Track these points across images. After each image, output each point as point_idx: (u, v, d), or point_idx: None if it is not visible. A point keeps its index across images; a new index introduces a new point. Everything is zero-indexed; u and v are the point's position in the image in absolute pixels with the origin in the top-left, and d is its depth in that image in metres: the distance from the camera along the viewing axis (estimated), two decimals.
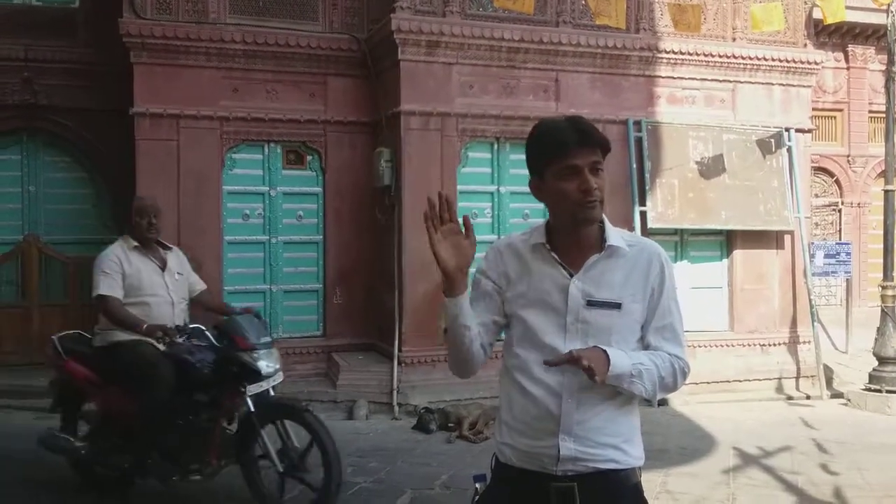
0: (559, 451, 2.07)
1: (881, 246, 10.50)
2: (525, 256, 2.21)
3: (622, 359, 2.04)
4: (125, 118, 9.46)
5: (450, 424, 8.22)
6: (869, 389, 9.97)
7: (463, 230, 2.19)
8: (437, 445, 7.71)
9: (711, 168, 10.53)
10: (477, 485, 2.29)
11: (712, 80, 10.79)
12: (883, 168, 10.69)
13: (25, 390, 9.35)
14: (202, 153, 9.64)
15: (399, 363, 9.29)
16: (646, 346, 2.18)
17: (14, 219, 10.75)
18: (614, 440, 2.11)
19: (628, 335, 2.15)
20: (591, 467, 2.08)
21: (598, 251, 2.14)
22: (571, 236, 2.16)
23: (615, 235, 2.16)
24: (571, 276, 2.14)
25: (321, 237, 10.35)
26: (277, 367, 5.23)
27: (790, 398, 10.53)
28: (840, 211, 13.61)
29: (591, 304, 2.12)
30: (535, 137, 2.18)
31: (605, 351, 2.03)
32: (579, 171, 2.07)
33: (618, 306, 2.12)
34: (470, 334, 2.19)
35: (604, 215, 2.18)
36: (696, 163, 10.51)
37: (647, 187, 10.23)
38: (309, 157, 10.31)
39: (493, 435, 2.29)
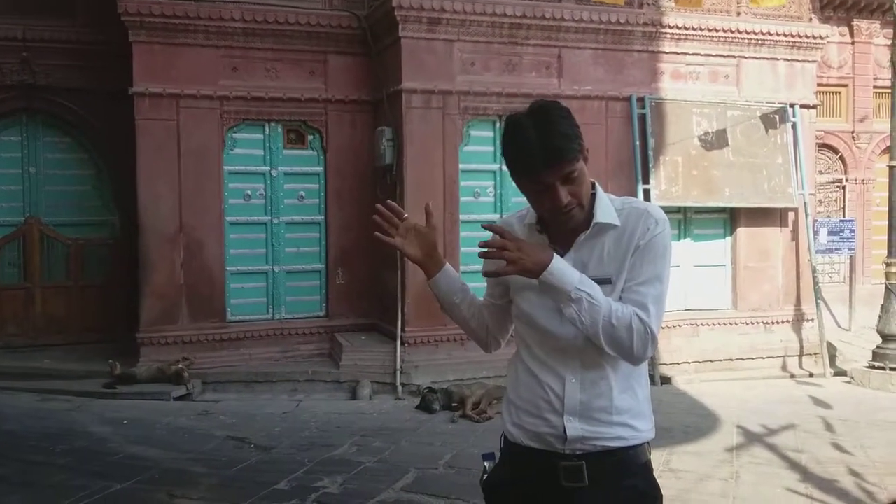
0: (565, 431, 2.06)
1: (885, 223, 10.43)
2: (524, 236, 2.18)
3: (568, 276, 1.98)
4: (125, 98, 9.39)
5: (453, 404, 8.22)
6: (872, 367, 9.96)
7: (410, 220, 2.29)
8: (440, 425, 7.72)
9: (715, 145, 10.47)
10: (486, 463, 2.27)
11: (716, 55, 10.69)
12: (888, 144, 10.61)
13: (28, 372, 9.40)
14: (202, 133, 9.59)
15: (402, 343, 9.29)
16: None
17: (15, 200, 10.71)
18: (621, 417, 2.08)
19: None
20: (599, 446, 2.06)
21: (586, 228, 2.10)
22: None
23: (606, 210, 2.09)
24: (561, 256, 2.09)
25: (323, 217, 10.31)
26: None
27: (794, 376, 10.54)
28: (844, 188, 13.52)
29: None
30: (506, 145, 2.10)
31: (553, 257, 1.99)
32: (550, 187, 2.02)
33: (608, 281, 2.07)
34: (462, 311, 2.31)
35: (597, 185, 2.13)
36: (700, 140, 10.44)
37: (650, 165, 10.17)
38: (310, 137, 10.25)
39: (502, 414, 2.27)
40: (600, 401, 2.06)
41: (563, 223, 2.09)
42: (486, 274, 2.06)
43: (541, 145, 1.99)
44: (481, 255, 2.02)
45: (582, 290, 1.98)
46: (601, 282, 2.05)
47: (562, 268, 1.99)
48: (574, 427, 2.05)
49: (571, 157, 2.01)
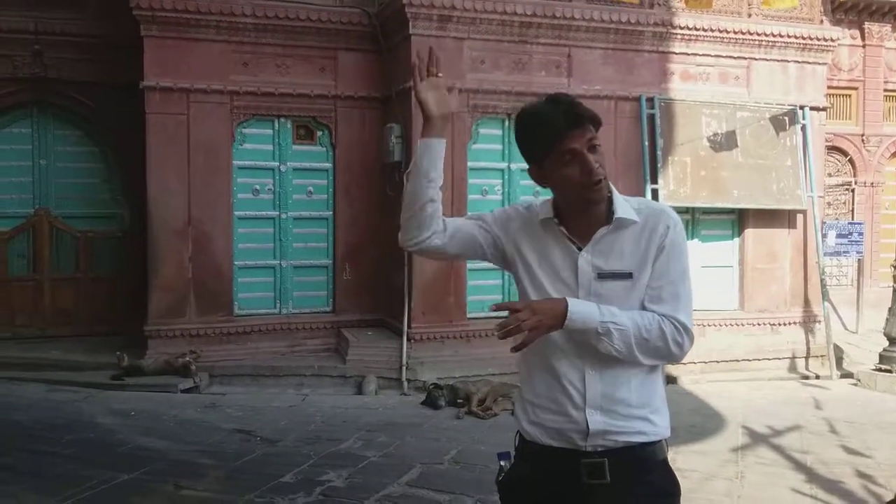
0: (588, 425, 2.05)
1: (894, 226, 10.43)
2: (537, 230, 2.18)
3: (588, 315, 1.99)
4: (136, 92, 9.43)
5: (459, 400, 8.24)
6: (879, 370, 9.94)
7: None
8: (445, 421, 7.73)
9: (724, 146, 10.45)
10: (502, 462, 2.25)
11: (727, 56, 10.68)
12: None
13: (37, 362, 9.46)
14: (212, 127, 9.63)
15: (408, 339, 9.31)
16: (643, 309, 2.10)
17: (25, 192, 10.77)
18: (641, 411, 2.08)
19: (641, 303, 2.11)
20: (620, 441, 2.06)
21: (607, 223, 2.10)
22: (579, 211, 2.12)
23: (623, 206, 2.10)
24: (580, 249, 2.11)
25: (331, 213, 10.34)
26: None
27: (800, 378, 10.52)
28: (853, 190, 13.48)
29: (602, 276, 2.08)
30: (524, 126, 2.13)
31: (566, 302, 1.99)
32: (578, 154, 2.02)
33: (629, 276, 2.08)
34: (427, 191, 2.15)
35: (611, 185, 2.14)
36: (709, 141, 10.43)
37: (658, 165, 10.16)
38: (319, 133, 10.27)
39: (515, 413, 2.25)
40: (621, 392, 2.06)
41: (591, 199, 2.07)
42: (515, 349, 2.02)
43: (563, 111, 2.03)
44: (502, 337, 1.97)
45: (607, 322, 2.00)
46: (622, 276, 2.07)
47: (580, 309, 1.99)
48: (596, 420, 2.05)
49: (593, 124, 2.04)
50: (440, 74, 2.22)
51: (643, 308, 2.09)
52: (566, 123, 2.01)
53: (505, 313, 2.01)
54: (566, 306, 1.98)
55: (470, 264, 9.51)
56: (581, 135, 2.02)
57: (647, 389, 2.11)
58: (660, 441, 2.12)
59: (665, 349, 2.05)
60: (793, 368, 10.71)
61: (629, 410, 2.07)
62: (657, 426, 2.11)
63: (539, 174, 2.13)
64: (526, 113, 2.12)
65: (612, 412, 2.06)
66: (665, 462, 2.14)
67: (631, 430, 2.07)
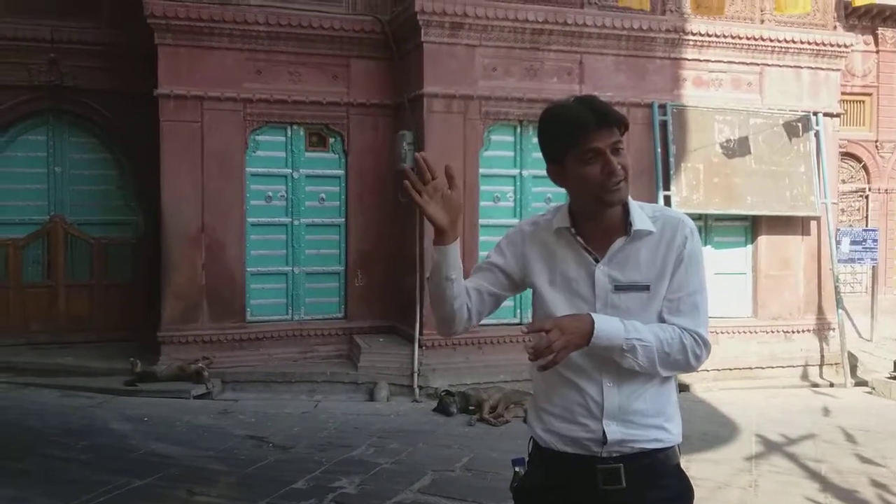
0: (605, 435, 2.06)
1: None
2: (549, 241, 2.17)
3: (613, 332, 1.99)
4: (150, 100, 9.50)
5: (470, 407, 8.23)
6: (894, 378, 9.88)
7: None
8: (457, 428, 7.72)
9: (737, 152, 10.42)
10: (516, 468, 2.24)
11: (739, 62, 10.65)
12: None
13: (51, 368, 9.52)
14: (225, 135, 9.68)
15: (420, 346, 9.31)
16: (660, 320, 2.11)
17: (40, 199, 10.87)
18: (656, 420, 2.09)
19: (659, 316, 2.10)
20: (636, 448, 2.07)
21: (623, 233, 2.09)
22: (595, 219, 2.11)
23: (640, 217, 2.10)
24: (597, 261, 2.10)
25: (343, 220, 10.37)
26: None
27: (814, 385, 10.45)
28: (867, 197, 13.40)
29: (619, 288, 2.08)
30: (549, 123, 2.13)
31: (591, 319, 1.98)
32: (601, 154, 2.02)
33: (646, 288, 2.08)
34: (452, 289, 2.17)
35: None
36: (722, 147, 10.40)
37: (671, 171, 10.14)
38: (331, 140, 10.31)
39: (528, 422, 2.24)
40: (638, 403, 2.07)
41: (608, 201, 2.06)
42: (543, 369, 2.00)
43: (591, 109, 2.03)
44: (534, 359, 1.94)
45: (632, 339, 2.00)
46: (639, 288, 2.07)
47: (605, 326, 1.99)
48: (613, 431, 2.05)
49: (619, 127, 2.04)
50: (436, 177, 2.16)
51: (661, 319, 2.09)
52: (593, 122, 2.02)
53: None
54: (592, 324, 1.98)
55: None
56: (607, 135, 2.02)
57: (661, 399, 2.12)
58: (673, 447, 2.13)
59: (684, 361, 2.07)
60: (806, 376, 10.64)
61: (645, 420, 2.08)
62: (671, 433, 2.12)
63: (558, 173, 2.13)
64: (553, 110, 2.12)
65: (628, 422, 2.07)
66: (678, 466, 2.15)
67: (646, 437, 2.08)
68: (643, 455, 2.07)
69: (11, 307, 10.61)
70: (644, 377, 2.08)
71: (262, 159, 10.03)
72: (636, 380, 2.07)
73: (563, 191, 2.16)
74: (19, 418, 7.49)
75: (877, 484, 5.82)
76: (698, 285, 2.11)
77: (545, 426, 2.16)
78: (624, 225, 2.10)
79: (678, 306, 2.09)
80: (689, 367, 2.10)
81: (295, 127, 10.12)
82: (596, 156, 2.02)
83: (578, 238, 2.12)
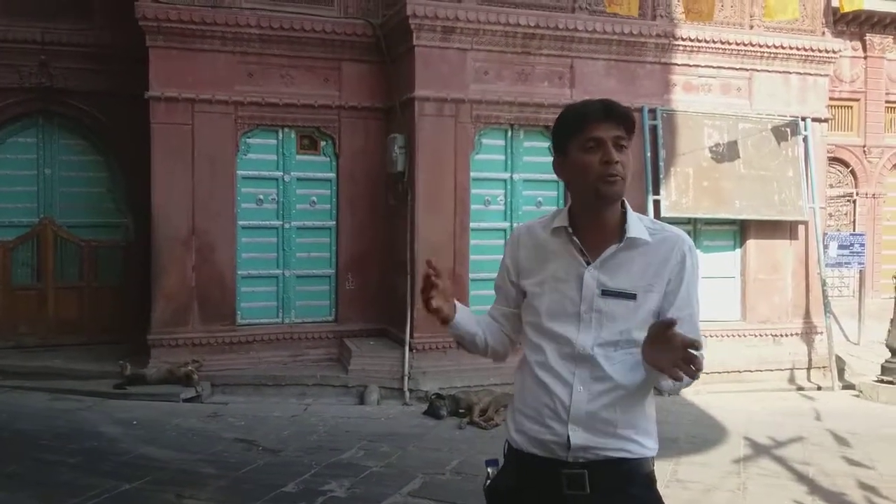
0: (569, 439, 2.07)
1: (895, 237, 10.43)
2: (544, 242, 2.20)
3: None
4: (140, 102, 9.49)
5: (460, 410, 8.25)
6: (881, 381, 9.95)
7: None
8: (447, 431, 7.74)
9: (726, 157, 10.49)
10: (489, 469, 2.29)
11: (729, 68, 10.72)
12: None
13: (41, 371, 9.48)
14: (217, 137, 9.67)
15: (410, 349, 9.32)
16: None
17: (30, 201, 10.82)
18: (626, 432, 2.09)
19: (642, 325, 2.11)
20: (601, 455, 2.08)
21: (619, 240, 2.12)
22: (593, 220, 2.13)
23: (637, 226, 2.13)
24: (588, 264, 2.12)
25: (334, 223, 10.37)
26: None
27: (802, 389, 10.51)
28: (855, 202, 13.49)
29: (606, 293, 2.10)
30: (561, 114, 2.20)
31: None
32: (602, 143, 2.07)
33: (633, 297, 2.10)
34: (484, 339, 2.34)
35: (626, 202, 2.17)
36: (711, 151, 10.46)
37: (661, 176, 10.19)
38: (323, 143, 10.32)
39: (506, 421, 2.29)
40: (607, 413, 2.07)
41: (603, 193, 2.09)
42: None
43: (601, 103, 2.12)
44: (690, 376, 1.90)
45: None
46: (626, 296, 2.10)
47: None
48: (578, 436, 2.07)
49: (626, 124, 2.11)
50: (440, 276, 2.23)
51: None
52: (599, 112, 2.09)
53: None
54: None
55: (472, 274, 9.54)
56: (609, 127, 2.08)
57: (634, 412, 2.12)
58: (645, 458, 2.14)
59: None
60: (794, 380, 10.70)
61: (613, 430, 2.08)
62: (643, 446, 2.13)
63: (561, 164, 2.19)
64: (569, 105, 2.22)
65: (595, 430, 2.08)
66: (649, 476, 2.15)
67: (613, 447, 2.09)
68: (609, 463, 2.08)
69: (0, 310, 10.56)
70: (618, 388, 2.09)
71: (253, 162, 10.03)
72: (609, 389, 2.08)
73: (554, 195, 2.20)
74: (8, 422, 7.47)
75: (864, 486, 5.87)
76: (697, 301, 2.19)
77: (517, 426, 2.19)
78: (620, 231, 2.13)
79: (682, 326, 2.09)
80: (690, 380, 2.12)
81: (286, 130, 10.12)
82: (597, 145, 2.07)
83: (574, 238, 2.14)
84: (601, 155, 2.07)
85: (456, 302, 2.29)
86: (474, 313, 2.39)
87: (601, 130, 2.07)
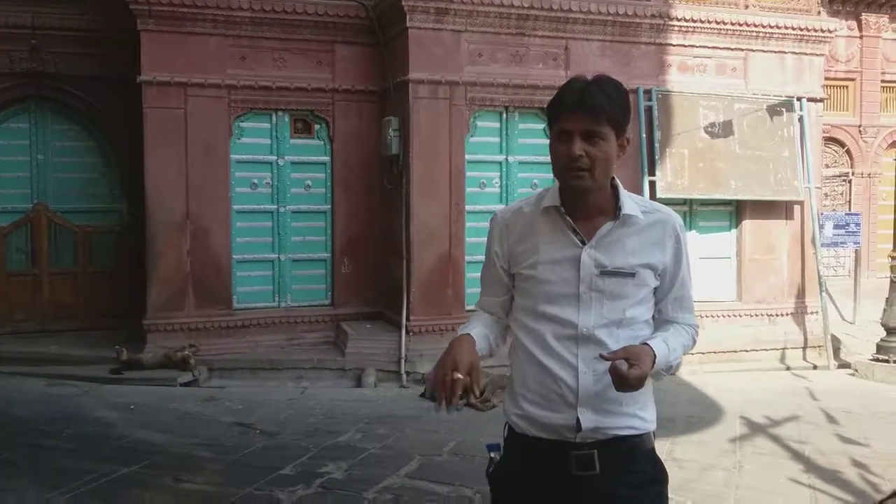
0: (579, 422, 2.06)
1: (891, 216, 10.45)
2: (534, 223, 2.16)
3: (662, 354, 2.05)
4: (133, 86, 9.42)
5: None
6: (876, 360, 9.99)
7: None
8: (444, 413, 7.72)
9: (722, 137, 10.47)
10: (492, 454, 2.25)
11: (724, 48, 10.68)
12: (894, 139, 10.59)
13: (37, 357, 9.47)
14: (210, 122, 9.62)
15: (407, 332, 9.33)
16: (660, 314, 2.20)
17: (23, 187, 10.76)
18: (632, 408, 2.10)
19: (643, 302, 2.12)
20: (610, 434, 2.08)
21: (612, 217, 2.10)
22: (582, 199, 2.10)
23: (630, 203, 2.11)
24: (583, 244, 2.10)
25: (329, 206, 10.35)
26: None
27: (797, 368, 10.55)
28: (850, 181, 13.50)
29: (605, 273, 2.08)
30: (555, 95, 2.16)
31: (651, 350, 2.03)
32: (568, 136, 2.03)
33: (632, 275, 2.09)
34: (501, 343, 2.30)
35: (617, 180, 2.14)
36: (707, 132, 10.44)
37: (656, 157, 10.18)
38: (317, 126, 10.27)
39: (504, 406, 2.25)
40: (613, 392, 2.04)
41: (567, 186, 2.08)
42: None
43: (578, 91, 2.04)
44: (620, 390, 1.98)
45: (671, 359, 2.09)
46: (624, 274, 2.08)
47: (659, 352, 2.04)
48: (588, 418, 2.06)
49: (599, 115, 2.02)
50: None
51: (659, 310, 2.20)
52: (571, 103, 2.03)
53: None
54: (652, 351, 2.03)
55: (468, 257, 9.53)
56: (580, 119, 2.02)
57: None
58: (647, 433, 2.16)
59: (687, 353, 2.21)
60: (790, 359, 10.74)
61: (619, 408, 2.09)
62: (646, 421, 2.15)
63: (550, 145, 2.17)
64: (565, 83, 2.15)
65: (603, 410, 2.08)
66: (652, 451, 2.17)
67: (621, 425, 2.10)
68: (617, 441, 2.09)
69: None
70: None
71: (247, 146, 9.98)
72: None
73: (549, 176, 2.18)
74: (5, 408, 7.45)
75: (858, 464, 5.89)
76: (689, 278, 2.22)
77: (520, 411, 2.16)
78: (613, 208, 2.11)
79: (681, 304, 2.19)
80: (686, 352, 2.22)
81: (280, 113, 10.07)
82: (567, 137, 2.04)
83: (567, 218, 2.11)
84: (566, 148, 2.04)
85: (469, 331, 2.19)
86: (473, 314, 2.35)
87: (569, 122, 2.03)
